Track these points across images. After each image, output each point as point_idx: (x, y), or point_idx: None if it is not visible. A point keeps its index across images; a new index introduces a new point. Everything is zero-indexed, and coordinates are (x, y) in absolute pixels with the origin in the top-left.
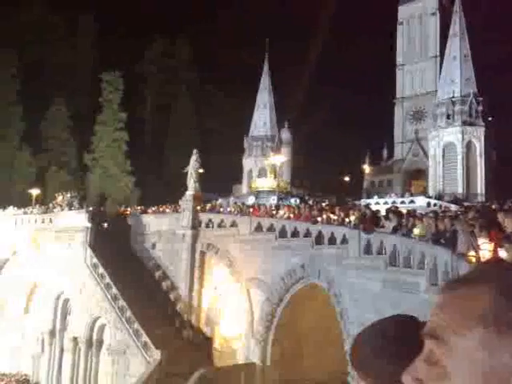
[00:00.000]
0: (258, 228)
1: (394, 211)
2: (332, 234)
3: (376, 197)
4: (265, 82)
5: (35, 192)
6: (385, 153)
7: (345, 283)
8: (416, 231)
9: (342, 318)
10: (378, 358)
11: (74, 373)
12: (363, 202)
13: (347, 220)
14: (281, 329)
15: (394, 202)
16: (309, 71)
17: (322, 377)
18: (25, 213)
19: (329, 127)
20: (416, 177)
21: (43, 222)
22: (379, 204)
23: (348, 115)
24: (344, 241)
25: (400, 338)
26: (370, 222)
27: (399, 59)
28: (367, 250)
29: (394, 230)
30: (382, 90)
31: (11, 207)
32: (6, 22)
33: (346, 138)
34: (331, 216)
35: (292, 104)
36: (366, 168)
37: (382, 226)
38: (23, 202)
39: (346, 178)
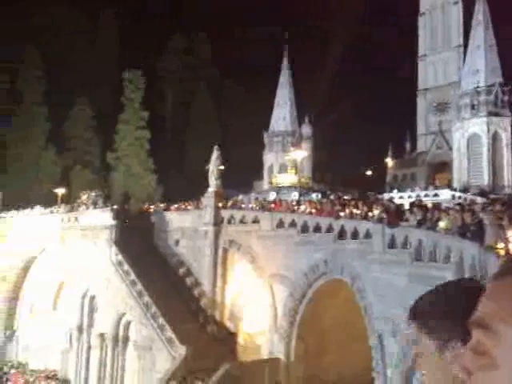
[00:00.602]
0: (280, 224)
1: (418, 205)
2: (355, 228)
3: (398, 190)
4: (284, 76)
5: (61, 191)
6: (408, 146)
7: (369, 278)
8: (441, 224)
9: (367, 314)
10: (436, 312)
11: (102, 369)
12: (386, 196)
13: (370, 214)
14: (304, 324)
15: (417, 196)
16: (329, 65)
17: (346, 372)
18: (51, 212)
19: (350, 121)
20: (440, 169)
21: (69, 221)
22: (403, 198)
23: (370, 108)
24: (367, 235)
25: (459, 298)
26: (394, 215)
27: (421, 50)
28: (391, 244)
29: (419, 224)
30: (404, 82)
31: (38, 206)
32: (29, 24)
33: (367, 132)
34: (354, 211)
35: (313, 98)
36: (389, 161)
37: (407, 220)
38: (49, 201)
39: (369, 172)
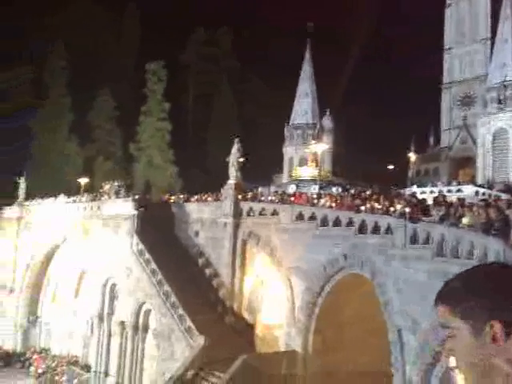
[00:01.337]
0: (300, 217)
1: (441, 200)
2: (376, 223)
3: (417, 186)
4: (306, 69)
5: (84, 181)
6: (431, 140)
7: (389, 273)
8: (465, 220)
9: (386, 309)
10: (472, 292)
11: (122, 356)
12: (408, 190)
13: (392, 209)
14: (322, 318)
15: (440, 191)
16: (352, 58)
17: (365, 367)
18: (74, 201)
19: (372, 114)
20: (464, 165)
21: (92, 210)
22: (425, 193)
23: (392, 102)
24: (388, 230)
25: (498, 276)
26: (417, 211)
27: (447, 43)
28: (413, 239)
29: (442, 220)
30: (428, 76)
31: (62, 195)
32: (53, 16)
33: (390, 126)
34: (375, 205)
35: (334, 91)
36: (411, 156)
37: (429, 215)
38: (73, 190)
39: (390, 167)
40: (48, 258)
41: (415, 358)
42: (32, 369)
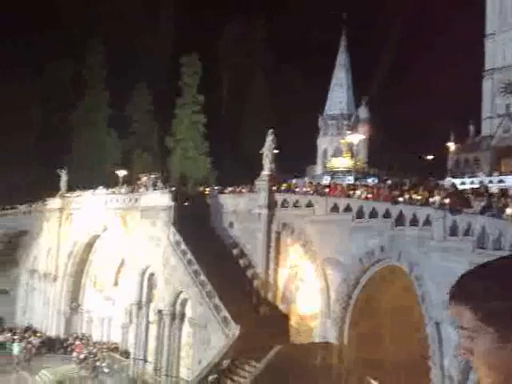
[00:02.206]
0: (334, 208)
1: (482, 191)
2: (414, 214)
3: (459, 176)
4: (342, 58)
5: (122, 173)
6: (471, 129)
7: (427, 266)
8: (508, 211)
9: (424, 302)
10: (494, 293)
11: (159, 343)
12: (447, 181)
13: (431, 200)
14: (358, 310)
15: (481, 182)
16: (388, 45)
17: (401, 360)
18: (113, 193)
19: (410, 103)
20: (506, 154)
21: (130, 201)
22: (465, 184)
23: (431, 90)
24: (427, 222)
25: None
26: (457, 202)
27: (489, 28)
28: (453, 231)
29: (483, 211)
30: (468, 62)
31: (101, 187)
32: (91, 12)
33: (428, 115)
34: (414, 196)
35: (370, 80)
36: (451, 146)
37: (470, 207)
38: (111, 182)
39: (429, 157)
40: (89, 248)
41: (455, 352)
42: (74, 354)
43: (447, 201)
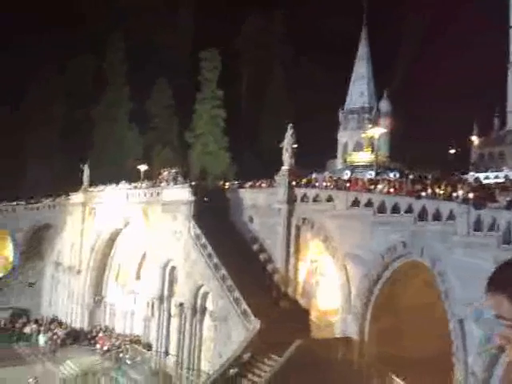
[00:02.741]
0: (355, 203)
1: (508, 185)
2: (437, 209)
3: (484, 170)
4: (363, 50)
5: (143, 168)
6: (496, 122)
7: (451, 261)
8: None
9: (447, 298)
10: None
11: (181, 336)
12: (471, 175)
13: (455, 195)
14: (379, 305)
15: (506, 176)
16: (411, 36)
17: (423, 356)
18: (135, 187)
19: (432, 96)
20: None
21: (151, 196)
22: (489, 178)
23: (454, 82)
24: (450, 217)
25: None
26: (481, 196)
27: None
28: (477, 226)
29: (509, 205)
30: (492, 54)
31: (123, 182)
32: (112, 9)
33: (451, 107)
34: (437, 190)
35: (392, 73)
36: (474, 139)
37: (495, 201)
38: (133, 177)
39: (452, 151)
40: (111, 241)
41: (479, 348)
42: (98, 346)
43: (471, 195)
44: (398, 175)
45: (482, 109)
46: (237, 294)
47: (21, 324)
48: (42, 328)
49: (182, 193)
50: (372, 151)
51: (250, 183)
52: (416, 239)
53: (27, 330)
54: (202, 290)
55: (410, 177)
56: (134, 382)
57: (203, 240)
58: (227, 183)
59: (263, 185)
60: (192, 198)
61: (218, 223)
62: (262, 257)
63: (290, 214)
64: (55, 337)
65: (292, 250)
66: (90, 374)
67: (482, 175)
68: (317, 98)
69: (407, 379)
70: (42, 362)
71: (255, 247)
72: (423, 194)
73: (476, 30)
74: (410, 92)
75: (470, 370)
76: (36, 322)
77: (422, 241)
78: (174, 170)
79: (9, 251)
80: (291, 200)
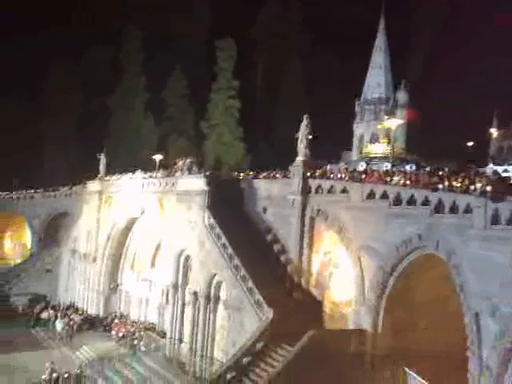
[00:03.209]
0: (370, 195)
1: None
2: (454, 202)
3: (502, 163)
4: (380, 40)
5: (158, 157)
6: None
7: (467, 255)
8: None
9: (462, 291)
10: None
11: (194, 324)
12: (489, 168)
13: (472, 187)
14: (393, 298)
15: None
16: (429, 26)
17: (437, 349)
18: (150, 177)
19: (451, 87)
20: None
21: (166, 185)
22: (508, 171)
23: (473, 73)
24: (468, 210)
25: None
26: (500, 190)
27: None
28: (495, 220)
29: None
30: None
31: (139, 171)
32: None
33: (470, 99)
34: (454, 183)
35: (409, 63)
36: (494, 132)
37: None
38: (148, 166)
39: (469, 143)
40: (127, 230)
41: (494, 343)
42: (113, 332)
43: (489, 188)
44: (414, 167)
45: (501, 100)
46: (250, 283)
47: (38, 309)
48: (58, 314)
49: (196, 183)
50: (388, 143)
51: (264, 174)
52: (432, 232)
53: (44, 315)
54: (215, 280)
55: (427, 169)
56: (148, 368)
57: (217, 230)
58: (241, 173)
59: (278, 175)
60: (206, 188)
61: (232, 213)
62: (275, 247)
63: (305, 205)
64: (72, 322)
65: (306, 241)
66: (105, 360)
67: (500, 168)
68: (333, 88)
69: (420, 372)
70: (58, 347)
71: (269, 238)
72: (440, 186)
73: (497, 19)
74: (428, 83)
75: (484, 365)
76: (53, 307)
77: (438, 234)
78: (188, 160)
79: (27, 238)
80: (305, 191)
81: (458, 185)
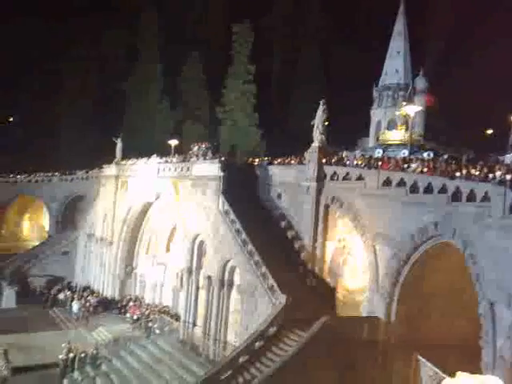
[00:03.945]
0: (387, 182)
1: None
2: (472, 190)
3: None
4: (399, 25)
5: (174, 142)
6: None
7: (484, 244)
8: None
9: (478, 280)
10: None
11: (208, 308)
12: (509, 157)
13: (491, 176)
14: (408, 287)
15: None
16: (449, 11)
17: (450, 338)
18: (166, 161)
19: (471, 74)
20: None
21: (181, 170)
22: None
23: (493, 59)
24: (485, 198)
25: None
26: None
27: None
28: None
29: None
30: None
31: (154, 156)
32: None
33: (490, 86)
34: (472, 171)
35: (429, 49)
36: None
37: None
38: (164, 151)
39: (489, 131)
40: (143, 214)
41: (509, 333)
42: (128, 315)
43: (509, 177)
44: (432, 155)
45: None
46: (264, 269)
47: (56, 291)
48: (75, 295)
49: (211, 168)
50: (406, 130)
51: (279, 160)
52: (448, 221)
53: (61, 296)
54: (229, 264)
55: (445, 157)
56: (162, 350)
57: (232, 216)
58: (256, 159)
59: (293, 162)
60: (221, 174)
61: (246, 199)
62: (289, 234)
63: (319, 191)
64: (88, 304)
65: (320, 227)
66: (120, 341)
67: None
68: (351, 73)
69: (433, 361)
70: (75, 328)
71: (283, 224)
72: (457, 174)
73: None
74: (448, 70)
75: (498, 354)
76: (70, 289)
77: (455, 222)
78: (204, 146)
79: (45, 221)
80: (320, 178)
81: (477, 173)
